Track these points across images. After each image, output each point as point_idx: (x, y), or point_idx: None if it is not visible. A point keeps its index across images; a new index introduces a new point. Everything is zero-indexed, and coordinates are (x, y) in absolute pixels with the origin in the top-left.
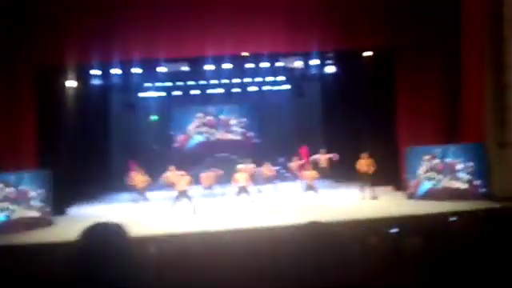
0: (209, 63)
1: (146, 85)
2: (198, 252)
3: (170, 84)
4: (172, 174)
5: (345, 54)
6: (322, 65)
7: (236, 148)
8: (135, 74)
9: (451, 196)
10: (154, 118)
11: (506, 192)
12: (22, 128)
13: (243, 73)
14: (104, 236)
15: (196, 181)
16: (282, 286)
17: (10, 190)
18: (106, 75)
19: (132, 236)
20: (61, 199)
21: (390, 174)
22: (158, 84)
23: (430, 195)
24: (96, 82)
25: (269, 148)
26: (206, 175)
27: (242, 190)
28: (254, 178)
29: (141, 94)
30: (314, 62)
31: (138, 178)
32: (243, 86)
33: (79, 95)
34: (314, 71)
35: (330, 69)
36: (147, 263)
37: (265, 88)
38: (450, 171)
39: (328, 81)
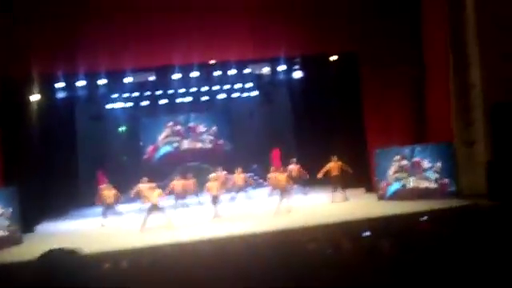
0: (176, 72)
1: (113, 96)
2: (170, 264)
3: (137, 94)
4: (144, 187)
5: (311, 59)
6: (290, 70)
7: (207, 156)
8: (101, 85)
9: (420, 196)
10: (122, 129)
11: (474, 189)
12: None
13: (211, 81)
14: (58, 261)
15: (170, 190)
16: None
17: None
18: (71, 87)
19: (101, 251)
20: (29, 216)
21: (362, 176)
22: (125, 95)
23: (399, 196)
24: (61, 94)
25: (241, 155)
26: (179, 183)
27: (215, 198)
28: (227, 186)
29: (108, 106)
30: (282, 67)
31: (106, 193)
32: (212, 93)
33: (44, 108)
34: (281, 77)
35: (298, 74)
36: (116, 278)
37: (234, 95)
38: (419, 171)
39: (296, 86)
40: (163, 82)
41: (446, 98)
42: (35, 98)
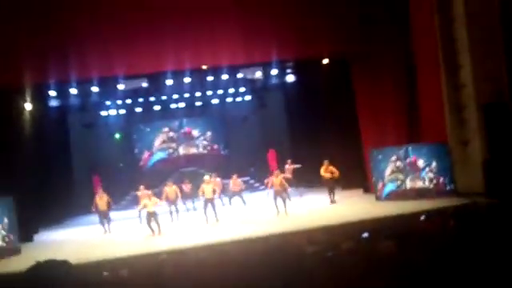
0: (169, 78)
1: (107, 103)
2: (167, 271)
3: (130, 101)
4: (142, 194)
5: (303, 62)
6: (282, 74)
7: (203, 162)
8: (94, 92)
9: (416, 195)
10: (117, 136)
11: (471, 188)
12: None
13: (204, 86)
14: (46, 273)
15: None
16: None
17: None
18: (63, 95)
19: (98, 259)
20: (27, 226)
21: (360, 177)
22: (118, 102)
23: (395, 196)
24: (54, 102)
25: (236, 159)
26: (172, 189)
27: (209, 202)
28: (223, 190)
29: (102, 113)
30: (274, 71)
31: (98, 201)
32: (205, 99)
33: (37, 117)
34: (274, 81)
35: (290, 78)
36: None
37: (227, 100)
38: (414, 171)
39: (289, 90)
40: (156, 88)
41: (438, 98)
42: (28, 107)
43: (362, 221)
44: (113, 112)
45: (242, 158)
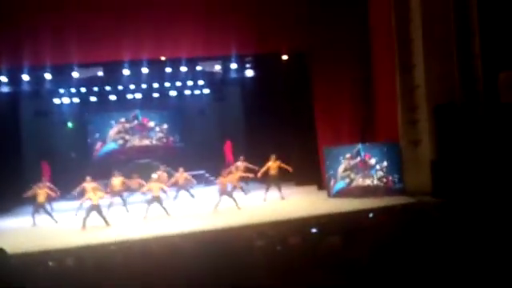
0: (125, 68)
1: (61, 91)
2: (115, 262)
3: (85, 90)
4: (88, 186)
5: (262, 57)
6: (241, 68)
7: (157, 153)
8: (47, 80)
9: (365, 193)
10: (69, 125)
11: (419, 187)
12: None
13: (162, 77)
14: None
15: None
16: None
17: None
18: (15, 81)
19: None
20: None
21: (315, 174)
22: (72, 90)
23: (344, 193)
24: (5, 89)
25: (192, 152)
26: (117, 180)
27: (155, 199)
28: (168, 185)
29: (55, 101)
30: (233, 65)
31: (39, 191)
32: (163, 90)
33: None
34: (233, 75)
35: (249, 72)
36: (63, 276)
37: (185, 92)
38: (365, 169)
39: (248, 84)
40: (112, 77)
41: (392, 98)
42: None
43: (310, 217)
44: (66, 100)
45: (198, 151)
